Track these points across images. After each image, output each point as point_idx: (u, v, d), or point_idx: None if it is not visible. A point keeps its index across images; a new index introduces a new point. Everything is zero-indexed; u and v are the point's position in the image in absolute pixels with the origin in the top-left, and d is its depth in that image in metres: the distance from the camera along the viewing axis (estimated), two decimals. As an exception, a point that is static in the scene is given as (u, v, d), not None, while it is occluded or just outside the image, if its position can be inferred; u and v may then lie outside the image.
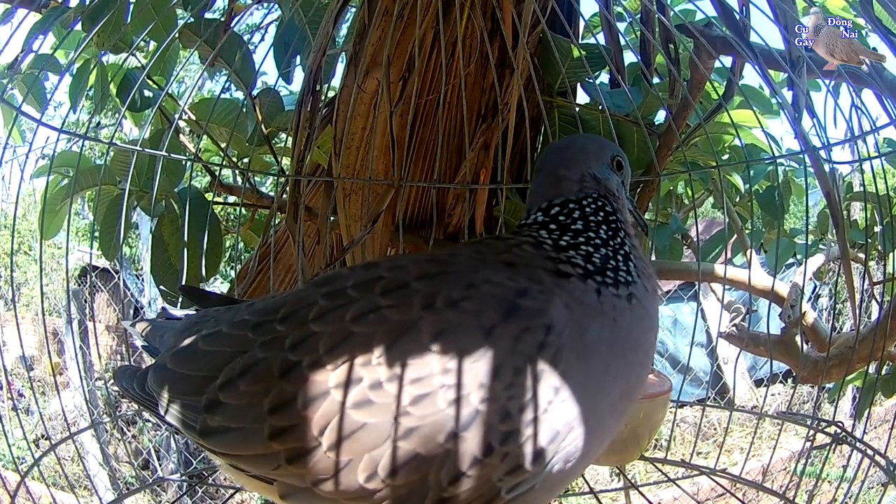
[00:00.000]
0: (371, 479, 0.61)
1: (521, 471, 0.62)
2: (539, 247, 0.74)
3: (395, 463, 0.61)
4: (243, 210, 1.92)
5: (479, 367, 0.61)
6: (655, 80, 1.56)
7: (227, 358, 0.70)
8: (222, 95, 1.72)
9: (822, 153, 1.16)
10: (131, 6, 1.41)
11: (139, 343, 0.92)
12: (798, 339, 1.79)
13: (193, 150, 1.62)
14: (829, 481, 3.20)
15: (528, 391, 0.61)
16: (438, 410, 0.60)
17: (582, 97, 1.54)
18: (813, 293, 4.17)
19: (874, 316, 2.51)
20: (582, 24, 1.57)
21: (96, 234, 1.62)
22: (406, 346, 0.63)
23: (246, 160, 1.66)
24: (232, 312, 0.82)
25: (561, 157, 0.84)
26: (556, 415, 0.62)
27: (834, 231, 1.73)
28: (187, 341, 0.77)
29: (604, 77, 1.64)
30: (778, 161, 1.66)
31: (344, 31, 1.77)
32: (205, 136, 1.64)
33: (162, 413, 0.74)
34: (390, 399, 0.61)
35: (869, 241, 1.87)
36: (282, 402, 0.65)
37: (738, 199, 2.02)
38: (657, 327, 0.77)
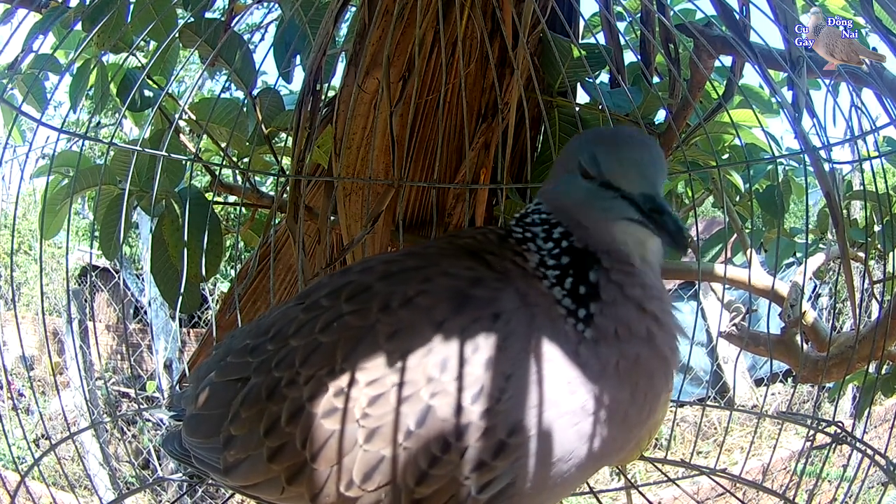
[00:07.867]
0: (350, 487, 0.62)
1: (486, 467, 0.60)
2: (504, 238, 0.72)
3: (366, 467, 0.62)
4: (243, 210, 1.92)
5: (427, 361, 0.61)
6: (655, 79, 1.56)
7: (234, 388, 0.72)
8: (222, 95, 1.72)
9: (822, 153, 1.16)
10: (131, 6, 1.41)
11: (166, 418, 0.94)
12: (798, 338, 1.79)
13: (193, 150, 1.62)
14: (829, 481, 3.20)
15: (479, 381, 0.60)
16: (392, 409, 0.61)
17: (582, 97, 1.54)
18: (813, 292, 4.17)
19: (874, 315, 2.51)
20: (582, 23, 1.57)
21: (96, 233, 1.62)
22: (363, 350, 0.64)
23: (246, 160, 1.66)
24: (243, 327, 0.84)
25: (561, 155, 0.77)
26: (513, 404, 0.60)
27: (834, 230, 1.73)
28: (206, 379, 0.79)
29: (604, 77, 1.64)
30: (778, 160, 1.66)
31: (344, 30, 1.77)
32: (205, 136, 1.63)
33: (196, 464, 0.76)
34: (353, 404, 0.62)
35: (869, 240, 1.87)
36: (271, 422, 0.67)
37: (738, 199, 2.02)
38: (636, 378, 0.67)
